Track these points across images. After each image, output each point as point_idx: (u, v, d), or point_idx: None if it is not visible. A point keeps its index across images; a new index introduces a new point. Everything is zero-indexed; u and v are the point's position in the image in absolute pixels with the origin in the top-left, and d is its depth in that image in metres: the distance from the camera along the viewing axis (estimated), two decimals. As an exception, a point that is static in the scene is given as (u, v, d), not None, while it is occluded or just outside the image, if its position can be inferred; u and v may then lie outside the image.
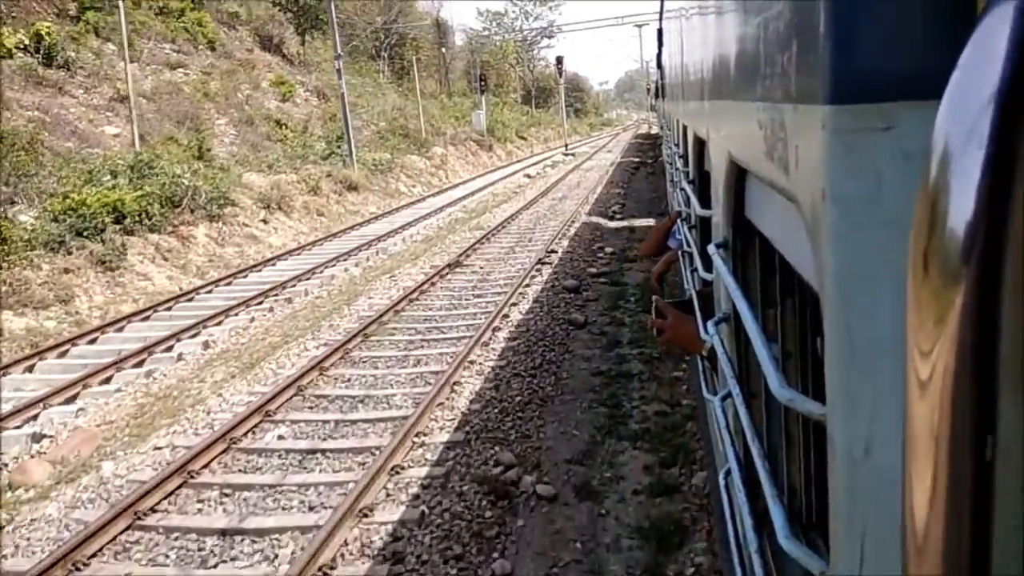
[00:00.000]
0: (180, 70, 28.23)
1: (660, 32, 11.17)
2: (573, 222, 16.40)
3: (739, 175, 1.38)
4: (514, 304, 9.93)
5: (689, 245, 2.84)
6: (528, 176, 29.52)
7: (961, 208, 0.33)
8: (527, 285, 10.78)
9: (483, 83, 40.42)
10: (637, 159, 33.69)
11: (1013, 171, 0.32)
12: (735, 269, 1.50)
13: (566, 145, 41.11)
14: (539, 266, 11.79)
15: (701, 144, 2.62)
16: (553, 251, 13.02)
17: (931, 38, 0.57)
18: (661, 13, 9.51)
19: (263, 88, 32.82)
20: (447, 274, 11.93)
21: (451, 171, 31.72)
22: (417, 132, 35.04)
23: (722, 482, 1.50)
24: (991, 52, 0.34)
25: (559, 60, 40.43)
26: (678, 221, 3.15)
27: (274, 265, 14.11)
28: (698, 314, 2.01)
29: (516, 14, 66.73)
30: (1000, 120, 0.32)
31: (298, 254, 15.25)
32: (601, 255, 12.57)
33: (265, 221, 17.04)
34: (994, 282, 0.32)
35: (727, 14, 1.45)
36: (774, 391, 0.90)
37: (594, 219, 16.61)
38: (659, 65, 13.52)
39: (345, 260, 14.29)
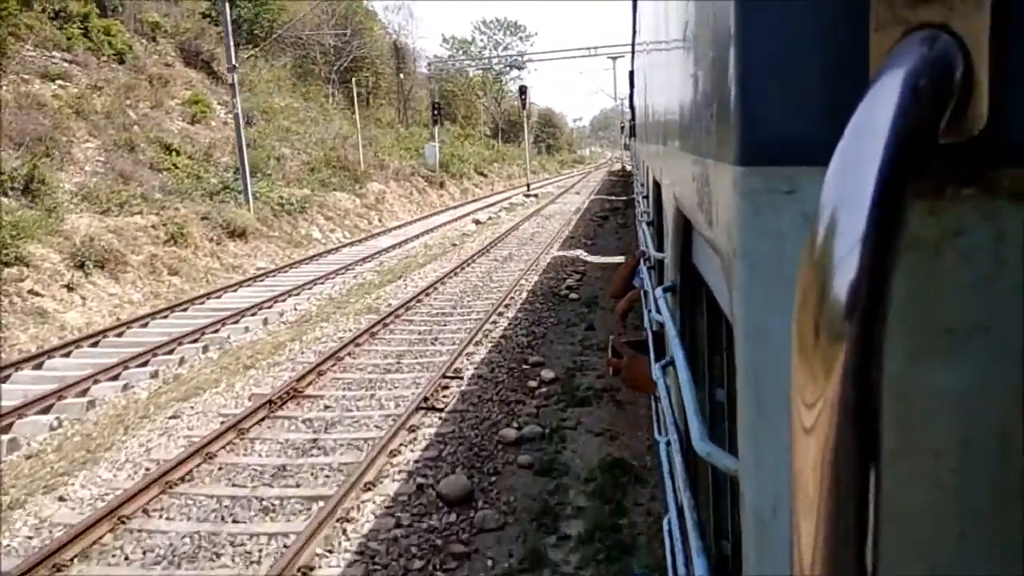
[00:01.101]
0: (59, 82, 23.03)
1: (631, 74, 11.85)
2: (507, 304, 11.46)
3: (685, 222, 1.41)
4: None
5: (647, 285, 2.85)
6: (476, 222, 24.70)
7: (844, 268, 0.35)
8: (369, 487, 5.67)
9: (436, 112, 35.75)
10: (608, 204, 29.07)
11: (894, 234, 0.34)
12: (682, 314, 1.55)
13: (528, 185, 36.45)
14: (422, 413, 6.77)
15: (658, 187, 2.70)
16: (457, 374, 7.99)
17: (829, 106, 0.59)
18: (632, 56, 9.86)
19: (168, 107, 27.71)
20: (264, 419, 6.86)
21: (387, 212, 26.79)
22: (356, 164, 30.20)
23: (666, 527, 1.58)
24: (876, 120, 0.35)
25: (522, 90, 35.97)
26: (641, 261, 3.07)
27: (19, 370, 8.88)
28: (651, 355, 2.04)
29: (484, 43, 62.77)
30: (882, 185, 0.34)
31: (87, 345, 10.07)
32: (537, 388, 7.60)
33: (70, 287, 11.85)
34: (874, 338, 0.34)
35: (672, 65, 1.49)
36: (694, 443, 0.90)
37: (539, 302, 11.68)
38: (631, 105, 13.85)
39: (144, 363, 9.14)
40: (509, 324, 10.14)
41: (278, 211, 20.18)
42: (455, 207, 31.45)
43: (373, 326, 9.96)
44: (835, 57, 0.58)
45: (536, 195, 34.64)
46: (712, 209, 0.83)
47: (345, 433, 6.36)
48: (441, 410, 6.71)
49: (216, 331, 10.84)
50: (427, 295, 12.35)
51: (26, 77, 22.08)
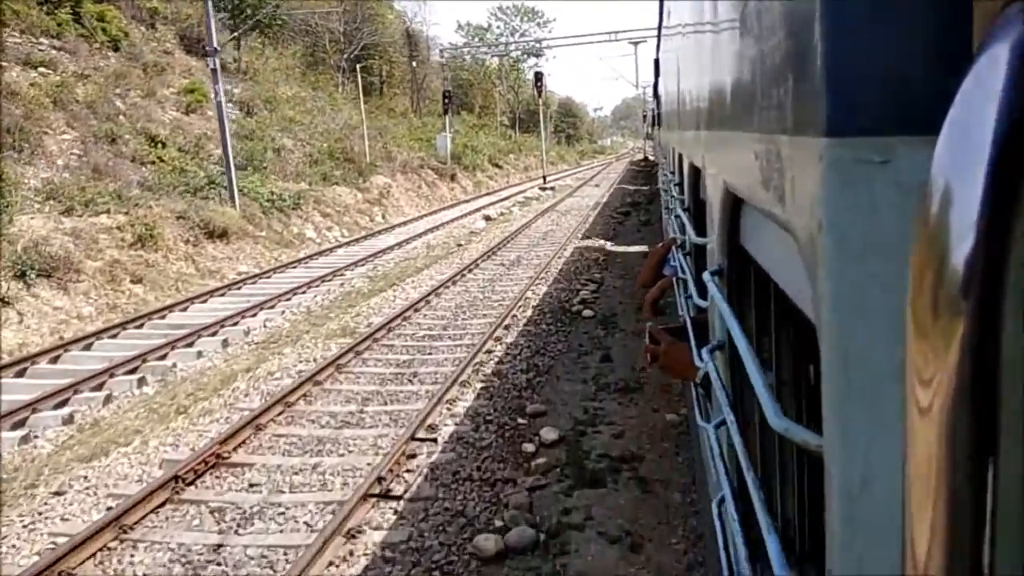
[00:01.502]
0: (40, 70, 21.55)
1: (657, 62, 11.66)
2: (508, 325, 9.63)
3: (734, 204, 1.39)
4: None
5: (684, 272, 2.79)
6: (487, 218, 22.87)
7: (960, 242, 0.35)
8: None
9: (447, 101, 33.90)
10: (629, 198, 27.10)
11: (1012, 206, 0.33)
12: (729, 296, 1.50)
13: (544, 178, 34.49)
14: (372, 504, 4.99)
15: (697, 172, 2.70)
16: (430, 433, 6.20)
17: (929, 73, 0.58)
18: (658, 43, 9.64)
19: (162, 96, 26.18)
20: (164, 505, 5.13)
21: (392, 207, 25.04)
22: (361, 156, 28.51)
23: (715, 511, 1.52)
24: (988, 88, 0.35)
25: (538, 77, 33.96)
26: (672, 248, 3.03)
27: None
28: (692, 341, 2.01)
29: (501, 30, 60.71)
30: (998, 156, 0.34)
31: (11, 375, 8.42)
32: (534, 455, 5.78)
33: (5, 301, 10.23)
34: (993, 314, 0.33)
35: (723, 44, 1.44)
36: (770, 420, 0.89)
37: (545, 322, 9.84)
38: (655, 94, 13.50)
39: (63, 403, 7.47)
40: (506, 353, 8.33)
41: (268, 208, 18.51)
42: (466, 201, 29.64)
43: (343, 355, 8.21)
44: (934, 20, 0.57)
45: (553, 188, 32.72)
46: (784, 186, 0.81)
47: (261, 536, 4.60)
48: (399, 497, 4.92)
49: (163, 356, 9.17)
50: (417, 310, 10.57)
51: (3, 64, 20.58)
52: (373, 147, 31.74)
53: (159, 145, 20.36)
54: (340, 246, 18.43)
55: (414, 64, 46.66)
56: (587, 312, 10.25)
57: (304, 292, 12.95)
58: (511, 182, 40.26)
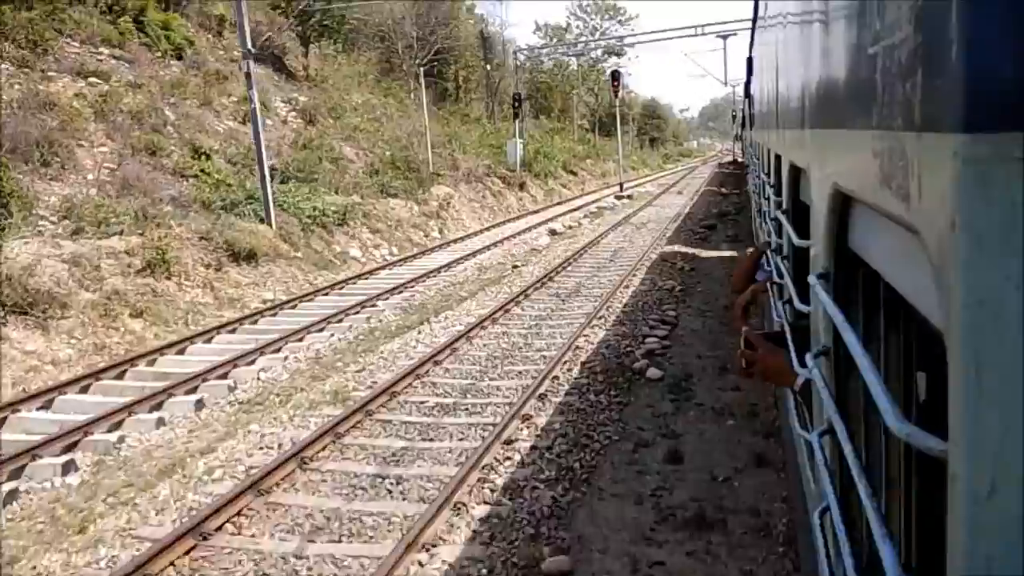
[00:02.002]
0: (90, 79, 20.80)
1: (750, 60, 11.69)
2: (542, 395, 7.32)
3: (844, 205, 1.35)
4: None
5: (780, 276, 2.76)
6: (553, 233, 20.61)
7: None
8: None
9: (517, 104, 31.84)
10: (715, 209, 24.24)
11: None
12: (836, 300, 1.44)
13: (621, 185, 31.83)
14: None
15: (797, 173, 2.65)
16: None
17: None
18: (752, 40, 9.51)
19: (220, 104, 25.23)
20: None
21: (453, 220, 23.12)
22: (425, 165, 26.85)
23: (817, 521, 1.48)
24: None
25: (615, 76, 31.39)
26: (767, 253, 2.96)
27: None
28: (791, 347, 1.95)
29: (580, 29, 58.27)
30: None
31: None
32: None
33: (-40, 346, 8.77)
34: None
35: (834, 38, 1.41)
36: (891, 426, 0.87)
37: (595, 388, 7.48)
38: (747, 94, 13.69)
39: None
40: (533, 446, 6.04)
41: (308, 225, 16.86)
42: (534, 212, 27.46)
43: (317, 439, 6.15)
44: None
45: (630, 196, 30.09)
46: (910, 185, 0.79)
47: None
48: None
49: (119, 423, 7.39)
50: (437, 363, 8.45)
51: (53, 74, 19.87)
52: (440, 155, 30.06)
53: (203, 157, 19.13)
54: (385, 267, 16.58)
55: (488, 68, 44.91)
56: (653, 371, 7.83)
57: (323, 329, 11.06)
58: (586, 189, 37.79)
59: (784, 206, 3.13)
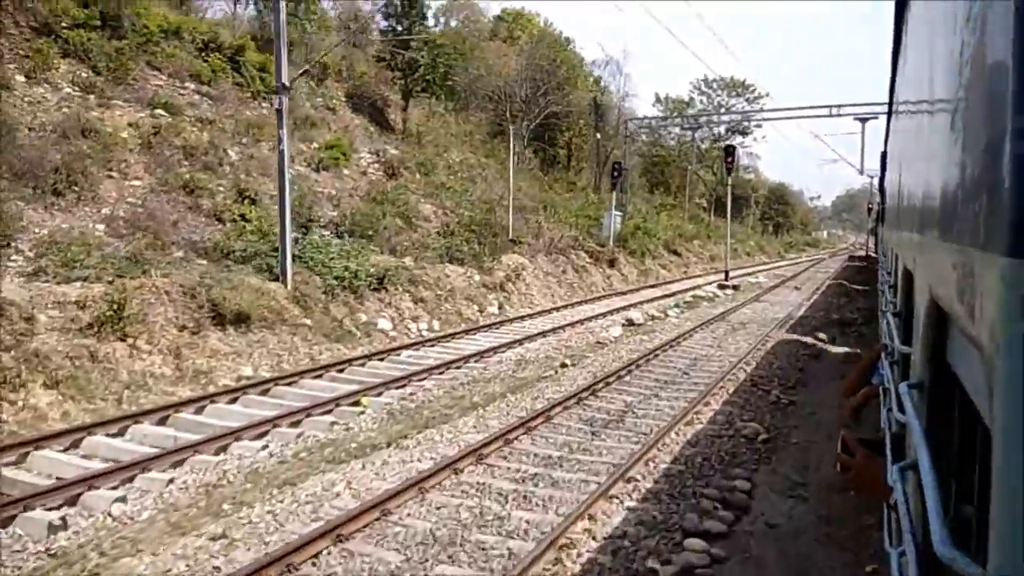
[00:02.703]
0: (158, 111, 19.91)
1: (884, 155, 12.07)
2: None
3: (940, 315, 1.36)
4: None
5: (888, 381, 2.66)
6: (629, 323, 17.28)
7: None
8: None
9: (617, 175, 28.96)
10: (836, 314, 20.10)
11: None
12: (930, 415, 1.46)
13: (726, 273, 27.96)
14: None
15: (909, 277, 2.61)
16: None
17: None
18: (887, 133, 9.25)
19: (296, 150, 23.93)
20: None
21: (519, 295, 20.23)
22: (503, 229, 24.42)
23: None
24: None
25: (728, 151, 27.92)
26: (882, 354, 2.88)
27: None
28: (888, 457, 1.95)
29: (704, 104, 55.17)
30: None
31: None
32: None
33: None
34: None
35: (934, 140, 1.43)
36: (936, 547, 0.87)
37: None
38: (880, 188, 14.23)
39: None
40: None
41: (334, 287, 14.45)
42: (620, 293, 24.16)
43: None
44: None
45: (735, 287, 26.21)
46: (975, 302, 0.80)
47: None
48: None
49: None
50: (339, 540, 5.40)
51: (119, 103, 18.97)
52: (528, 221, 27.56)
53: (246, 200, 17.36)
54: (412, 345, 13.83)
55: (598, 136, 42.56)
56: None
57: (279, 426, 8.34)
58: (690, 272, 34.07)
59: (896, 308, 3.10)
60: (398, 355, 13.03)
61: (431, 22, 41.40)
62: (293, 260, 14.65)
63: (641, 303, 21.53)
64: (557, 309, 19.80)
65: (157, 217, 14.81)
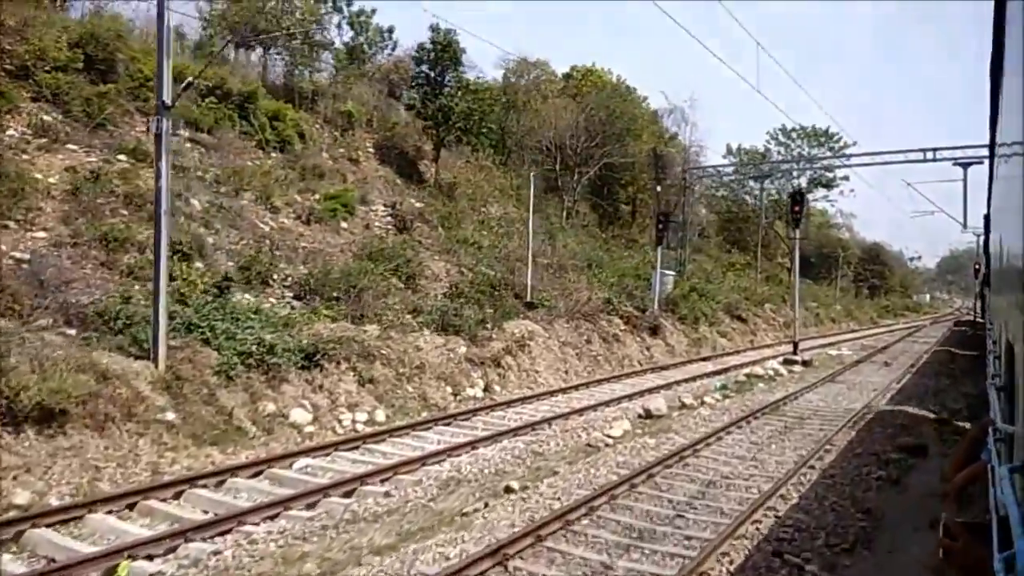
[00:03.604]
0: (120, 156, 17.78)
1: (987, 218, 11.54)
2: None
3: None
4: None
5: (994, 460, 2.37)
6: (644, 415, 13.11)
7: None
8: None
9: (663, 227, 24.89)
10: (934, 403, 15.23)
11: None
12: None
13: (795, 345, 23.02)
14: None
15: (1011, 349, 2.41)
16: None
17: None
18: (990, 187, 8.54)
19: (288, 199, 21.43)
20: None
21: (517, 372, 16.32)
22: (524, 289, 20.87)
23: None
24: None
25: (796, 198, 23.33)
26: (989, 429, 2.58)
27: None
28: (994, 544, 1.85)
29: (782, 155, 50.35)
30: None
31: None
32: None
33: None
34: None
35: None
36: None
37: None
38: (985, 251, 13.25)
39: None
40: None
41: (233, 367, 11.06)
42: (657, 369, 19.87)
43: None
44: None
45: (806, 362, 21.36)
46: None
47: None
48: None
49: None
50: None
51: (74, 147, 16.82)
52: (565, 281, 23.87)
53: (179, 256, 14.41)
54: (325, 449, 10.18)
55: (659, 188, 38.65)
56: None
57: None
58: (758, 341, 29.18)
59: (1001, 382, 2.90)
60: (288, 466, 9.41)
61: (491, 74, 39.03)
62: (189, 330, 11.43)
63: (679, 382, 17.22)
64: (565, 390, 15.77)
65: (42, 274, 12.00)
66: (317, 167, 23.93)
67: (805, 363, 21.19)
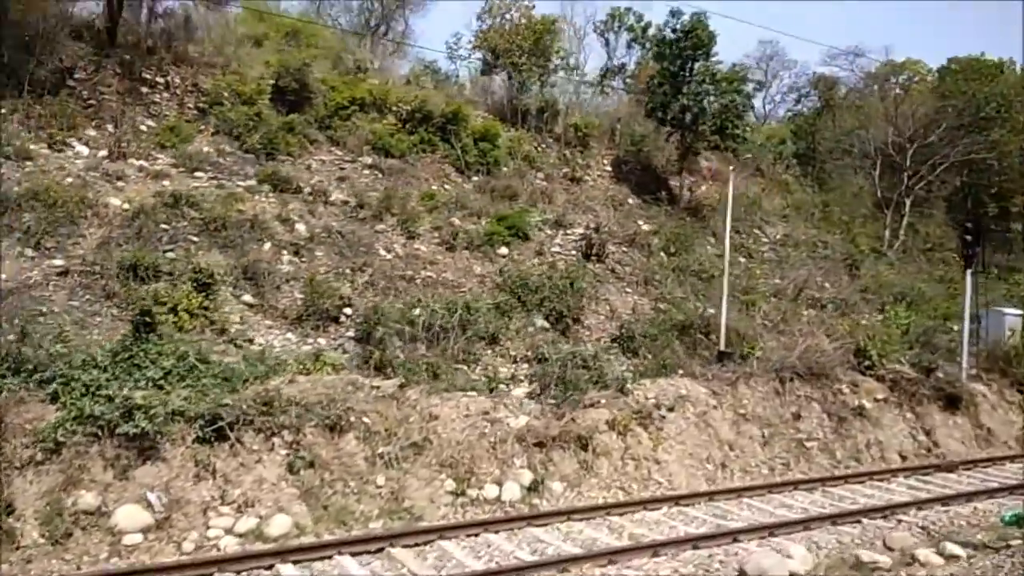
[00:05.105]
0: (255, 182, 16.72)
1: None
2: None
3: None
4: None
5: None
6: (855, 565, 6.42)
7: None
8: None
9: (973, 241, 15.56)
10: None
11: None
12: None
13: None
14: None
15: None
16: None
17: None
18: None
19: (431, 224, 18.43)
20: None
21: (624, 460, 10.12)
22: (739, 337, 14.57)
23: None
24: None
25: None
26: None
27: None
28: None
29: None
30: None
31: None
32: None
33: None
34: None
35: None
36: None
37: None
38: None
39: None
40: None
41: (73, 432, 7.60)
42: (927, 469, 11.51)
43: None
44: None
45: None
46: None
47: None
48: None
49: None
50: None
51: (224, 179, 16.34)
52: (793, 319, 16.53)
53: (194, 284, 11.72)
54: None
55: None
56: None
57: None
58: None
59: None
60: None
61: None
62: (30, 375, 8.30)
63: (958, 497, 9.32)
64: (692, 497, 9.24)
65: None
66: (509, 188, 20.29)
67: None
